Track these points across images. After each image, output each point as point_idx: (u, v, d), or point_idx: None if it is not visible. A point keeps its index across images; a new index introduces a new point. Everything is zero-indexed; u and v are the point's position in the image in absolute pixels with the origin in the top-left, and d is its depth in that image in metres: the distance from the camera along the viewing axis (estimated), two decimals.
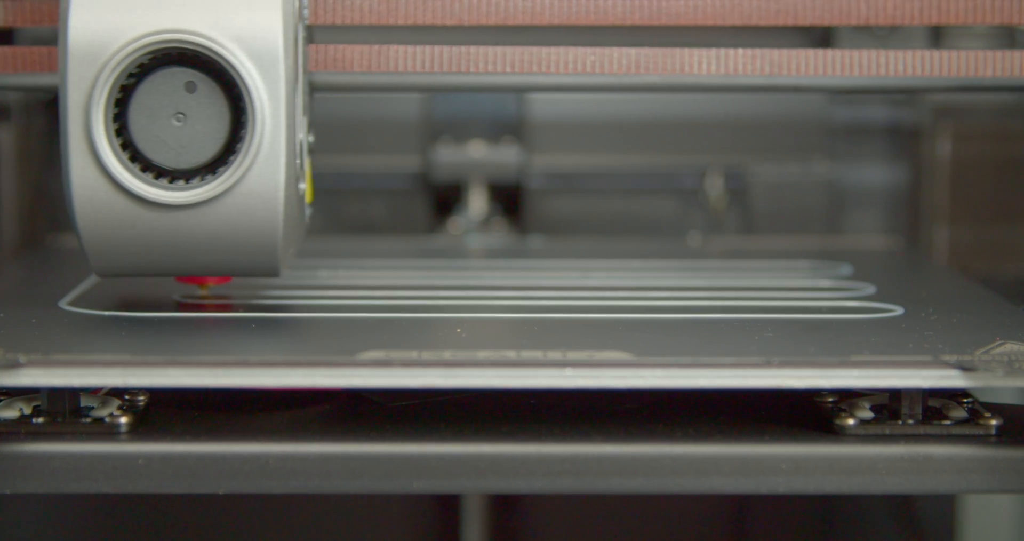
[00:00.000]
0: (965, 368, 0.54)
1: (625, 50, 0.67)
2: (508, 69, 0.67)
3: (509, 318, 0.65)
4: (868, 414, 0.56)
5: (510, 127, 0.95)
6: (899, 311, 0.65)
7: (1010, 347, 0.55)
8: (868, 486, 0.55)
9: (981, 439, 0.55)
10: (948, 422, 0.56)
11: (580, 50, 0.67)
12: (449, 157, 0.94)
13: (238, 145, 0.60)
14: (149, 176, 0.60)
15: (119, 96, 0.60)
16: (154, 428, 0.56)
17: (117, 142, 0.60)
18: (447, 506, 0.92)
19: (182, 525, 0.92)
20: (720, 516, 0.93)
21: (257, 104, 0.59)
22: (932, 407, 0.57)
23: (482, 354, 0.56)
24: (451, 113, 0.96)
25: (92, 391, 0.57)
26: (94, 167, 0.60)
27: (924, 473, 0.55)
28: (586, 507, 0.93)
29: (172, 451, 0.54)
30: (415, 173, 0.94)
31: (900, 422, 0.56)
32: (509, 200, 0.96)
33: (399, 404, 0.59)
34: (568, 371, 0.54)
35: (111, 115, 0.60)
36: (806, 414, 0.57)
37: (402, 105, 0.93)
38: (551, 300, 0.68)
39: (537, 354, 0.55)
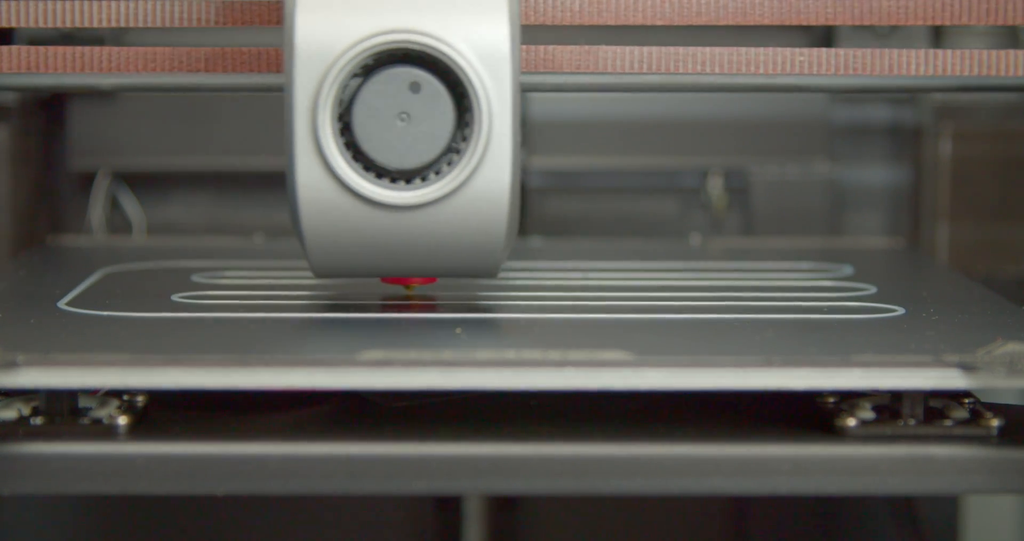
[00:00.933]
0: (967, 368, 0.54)
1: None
2: (717, 70, 0.67)
3: (509, 318, 0.65)
4: (869, 415, 0.56)
5: None
6: (900, 311, 0.65)
7: (1012, 347, 0.55)
8: (869, 487, 0.55)
9: (983, 440, 0.55)
10: (949, 423, 0.56)
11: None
12: None
13: (462, 145, 0.60)
14: (373, 176, 0.60)
15: (344, 97, 0.60)
16: (153, 429, 0.56)
17: (342, 142, 0.60)
18: (447, 507, 0.91)
19: (181, 526, 0.92)
20: (721, 517, 0.93)
21: (483, 104, 0.59)
22: (933, 408, 0.57)
23: (482, 354, 0.56)
24: None
25: (91, 391, 0.57)
26: (320, 167, 0.60)
27: (925, 474, 0.55)
28: (586, 508, 0.92)
29: (171, 452, 0.54)
30: None
31: (901, 423, 0.56)
32: None
33: (399, 405, 0.58)
34: (568, 371, 0.54)
35: (337, 115, 0.60)
36: (807, 415, 0.57)
37: None
38: (551, 300, 0.68)
39: (537, 354, 0.55)
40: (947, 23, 0.69)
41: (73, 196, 0.95)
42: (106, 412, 0.56)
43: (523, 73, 0.64)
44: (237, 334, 0.61)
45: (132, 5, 0.67)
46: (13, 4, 0.68)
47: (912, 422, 0.56)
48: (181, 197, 0.95)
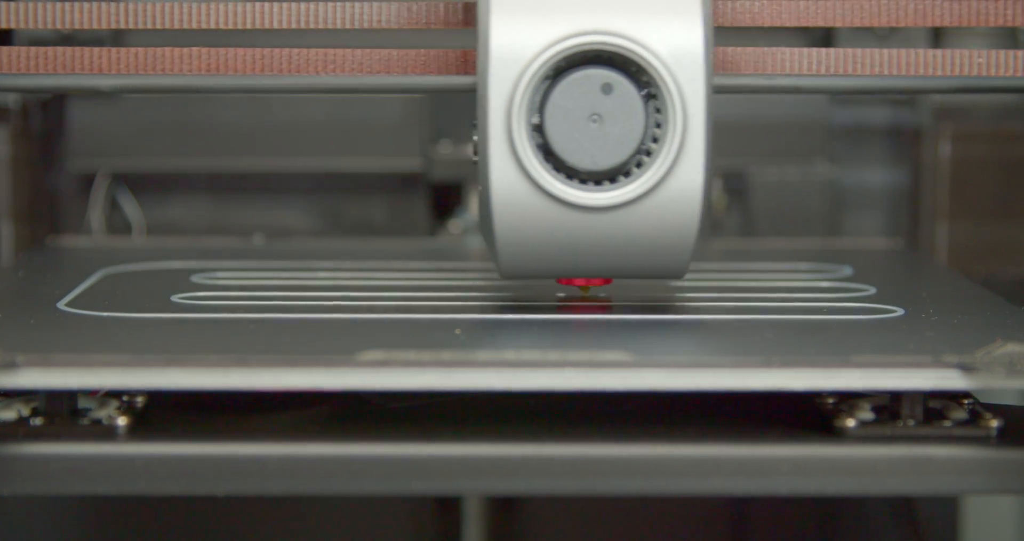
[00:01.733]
0: (966, 369, 0.54)
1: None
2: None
3: (508, 319, 0.65)
4: (869, 415, 0.56)
5: None
6: (900, 312, 0.65)
7: (1011, 348, 0.55)
8: (869, 488, 0.55)
9: (982, 440, 0.55)
10: (949, 423, 0.56)
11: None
12: (449, 158, 0.94)
13: (652, 147, 0.60)
14: (563, 177, 0.60)
15: (535, 98, 0.60)
16: (152, 429, 0.56)
17: (534, 143, 0.60)
18: (447, 508, 0.91)
19: (181, 527, 0.92)
20: (720, 518, 0.93)
21: (677, 106, 0.59)
22: (933, 408, 0.57)
23: (481, 355, 0.56)
24: (451, 114, 0.96)
25: (90, 392, 0.57)
26: (515, 169, 0.60)
27: (925, 474, 0.55)
28: (586, 509, 0.92)
29: (171, 452, 0.54)
30: (415, 173, 0.94)
31: (901, 423, 0.56)
32: None
33: (398, 405, 0.58)
34: (567, 372, 0.54)
35: (530, 117, 0.60)
36: (806, 415, 0.57)
37: (402, 106, 0.93)
38: (550, 301, 0.68)
39: (536, 355, 0.55)
40: (946, 25, 0.69)
41: (73, 197, 0.95)
42: (106, 413, 0.56)
43: (716, 74, 0.64)
44: (236, 335, 0.61)
45: (313, 6, 0.67)
46: (54, 6, 0.68)
47: (911, 423, 0.56)
48: (180, 198, 0.95)
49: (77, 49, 0.68)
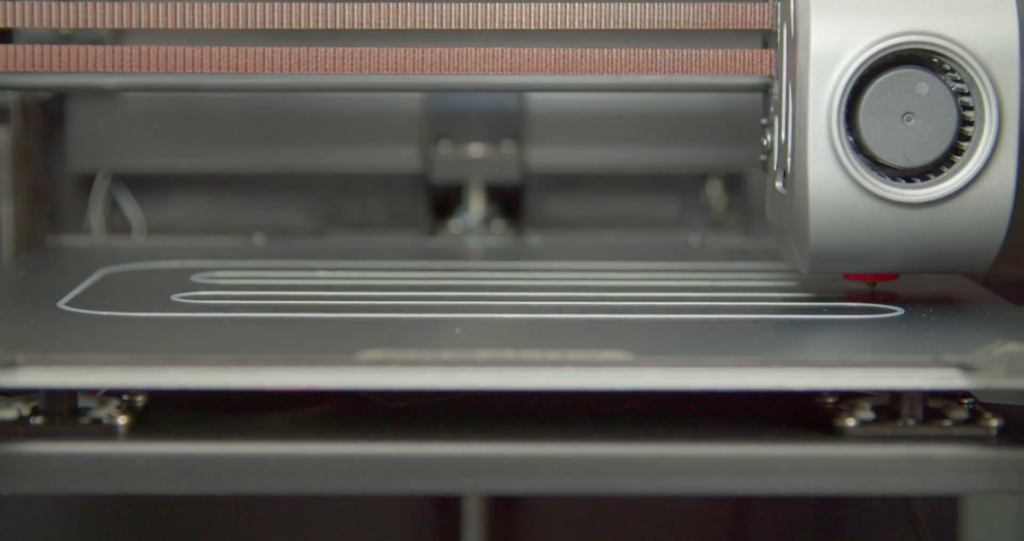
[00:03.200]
0: (966, 369, 0.54)
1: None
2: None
3: (508, 318, 0.65)
4: (869, 415, 0.56)
5: (510, 128, 0.95)
6: (899, 312, 0.65)
7: (1011, 348, 0.55)
8: (869, 487, 0.55)
9: (982, 440, 0.55)
10: (949, 423, 0.56)
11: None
12: (449, 158, 0.94)
13: (963, 145, 0.62)
14: (877, 174, 0.62)
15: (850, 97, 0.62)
16: (152, 428, 0.56)
17: (850, 140, 0.62)
18: (447, 507, 0.91)
19: (181, 526, 0.92)
20: (720, 517, 0.93)
21: (993, 105, 0.61)
22: (933, 408, 0.57)
23: (481, 354, 0.56)
24: (451, 114, 0.96)
25: (90, 391, 0.57)
26: (834, 166, 0.62)
27: (925, 474, 0.55)
28: (586, 508, 0.92)
29: (171, 451, 0.54)
30: (415, 173, 0.94)
31: (901, 423, 0.56)
32: (509, 201, 0.96)
33: (398, 404, 0.58)
34: (567, 371, 0.54)
35: (845, 115, 0.62)
36: (806, 415, 0.57)
37: (402, 106, 0.93)
38: (550, 301, 0.68)
39: (536, 354, 0.55)
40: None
41: (73, 197, 0.95)
42: (106, 412, 0.56)
43: None
44: (236, 334, 0.61)
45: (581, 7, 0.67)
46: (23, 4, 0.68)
47: (911, 422, 0.56)
48: (180, 198, 0.95)
49: (79, 47, 0.68)
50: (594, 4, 0.67)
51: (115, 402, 0.57)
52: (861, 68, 0.61)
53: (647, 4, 0.67)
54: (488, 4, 0.67)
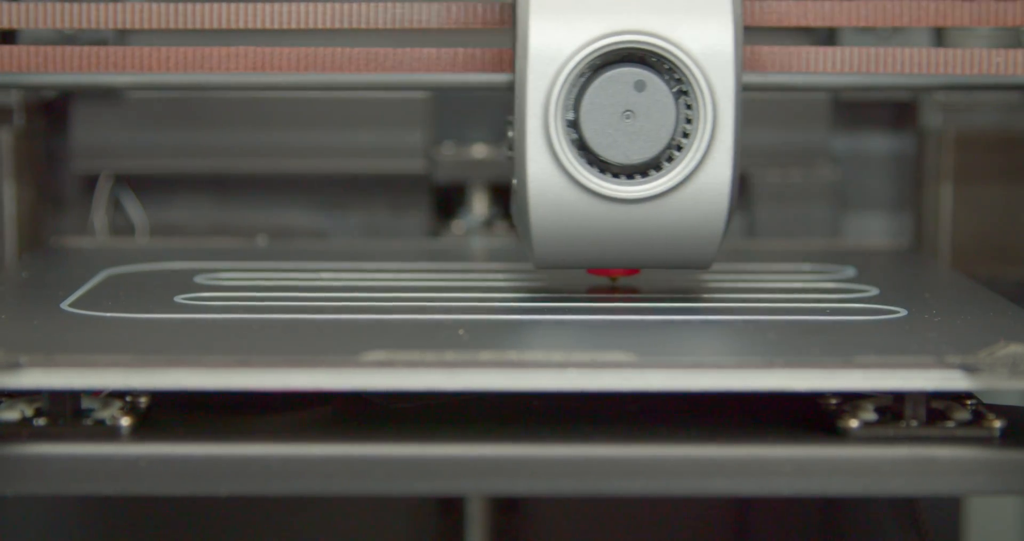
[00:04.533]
0: (969, 370, 0.54)
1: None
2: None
3: (512, 320, 0.65)
4: (872, 416, 0.56)
5: None
6: (903, 313, 0.65)
7: (1014, 349, 0.55)
8: (872, 488, 0.55)
9: (985, 441, 0.55)
10: (952, 424, 0.56)
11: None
12: (452, 159, 0.94)
13: (682, 142, 0.62)
14: (597, 171, 0.63)
15: (571, 95, 0.62)
16: (156, 430, 0.56)
17: (570, 138, 0.62)
18: (450, 508, 0.91)
19: (184, 527, 0.92)
20: (723, 518, 0.93)
21: (708, 102, 0.62)
22: (936, 409, 0.57)
23: (484, 356, 0.56)
24: (454, 115, 0.96)
25: (93, 393, 0.57)
26: (551, 163, 0.62)
27: (928, 475, 0.55)
28: (589, 509, 0.92)
29: (174, 453, 0.54)
30: (418, 175, 0.94)
31: (904, 424, 0.56)
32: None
33: (401, 406, 0.58)
34: (570, 373, 0.54)
35: (566, 113, 0.62)
36: (810, 416, 0.57)
37: (405, 107, 0.93)
38: (552, 302, 0.68)
39: (539, 356, 0.55)
40: (948, 25, 0.69)
41: (76, 198, 0.95)
42: (109, 413, 0.56)
43: (745, 72, 0.66)
44: (239, 336, 0.61)
45: (348, 7, 0.68)
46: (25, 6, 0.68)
47: (914, 423, 0.56)
48: (183, 199, 0.95)
49: (82, 48, 0.68)
50: (330, 4, 0.68)
51: (118, 403, 0.57)
52: (578, 67, 0.62)
53: (387, 4, 0.68)
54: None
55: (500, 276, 0.76)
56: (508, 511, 0.92)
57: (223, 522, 0.92)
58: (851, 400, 0.57)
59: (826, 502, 0.92)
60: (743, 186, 0.95)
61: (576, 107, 0.62)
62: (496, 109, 0.96)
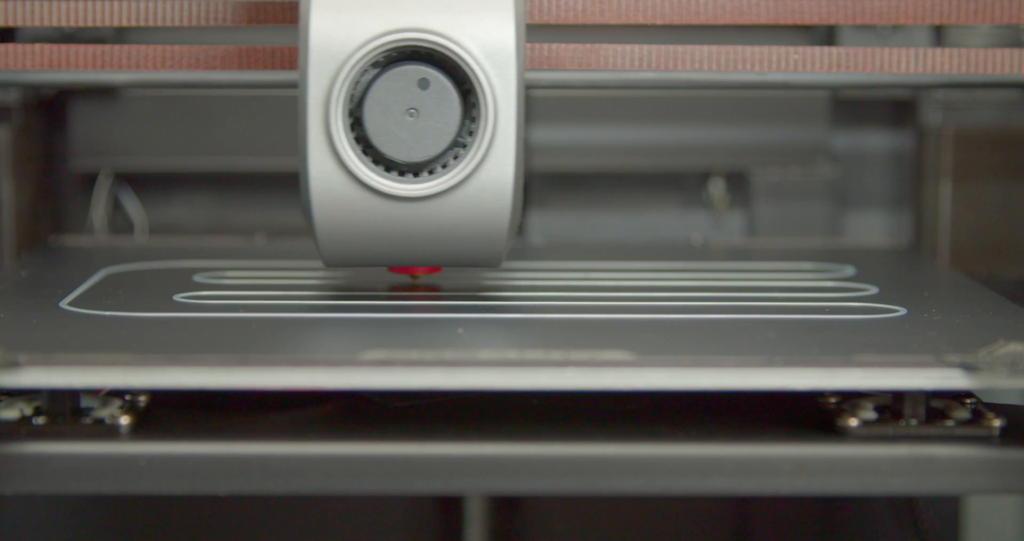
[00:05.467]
0: (968, 369, 0.54)
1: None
2: (714, 67, 0.68)
3: (511, 318, 0.65)
4: (871, 415, 0.56)
5: None
6: (902, 312, 0.65)
7: (1013, 348, 0.55)
8: (871, 487, 0.55)
9: (984, 440, 0.55)
10: (951, 423, 0.56)
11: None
12: None
13: (468, 140, 0.62)
14: (382, 169, 0.62)
15: (355, 92, 0.62)
16: (155, 428, 0.56)
17: (352, 136, 0.62)
18: (449, 507, 0.91)
19: (183, 526, 0.92)
20: (723, 517, 0.93)
21: (490, 101, 0.62)
22: (935, 408, 0.57)
23: (483, 354, 0.56)
24: None
25: (93, 391, 0.57)
26: (332, 160, 0.62)
27: (927, 474, 0.55)
28: (588, 508, 0.92)
29: (173, 451, 0.54)
30: None
31: (903, 423, 0.56)
32: None
33: (401, 405, 0.58)
34: (570, 371, 0.54)
35: (348, 110, 0.62)
36: (809, 415, 0.57)
37: None
38: (553, 301, 0.68)
39: (538, 354, 0.55)
40: (946, 22, 0.69)
41: (75, 196, 0.95)
42: (108, 412, 0.56)
43: (528, 70, 0.66)
44: (239, 334, 0.61)
45: (148, 5, 0.68)
46: (15, 4, 0.68)
47: (914, 422, 0.56)
48: (183, 197, 0.95)
49: (82, 46, 0.68)
50: None
51: (117, 402, 0.57)
52: (359, 64, 0.61)
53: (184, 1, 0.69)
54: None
55: (499, 274, 0.76)
56: (508, 510, 0.92)
57: (223, 521, 0.92)
58: (850, 399, 0.57)
59: (825, 501, 0.92)
60: (742, 184, 0.95)
61: (360, 105, 0.62)
62: None
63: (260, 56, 0.69)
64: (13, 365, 0.53)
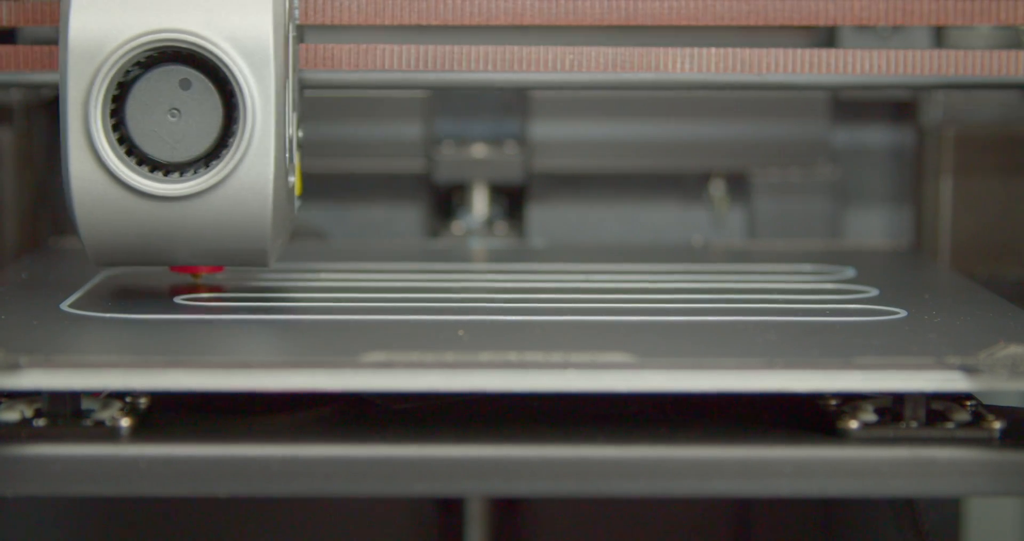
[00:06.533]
0: (969, 371, 0.54)
1: (606, 49, 0.68)
2: (491, 67, 0.68)
3: (511, 321, 0.65)
4: (871, 417, 0.56)
5: (513, 130, 0.95)
6: (902, 314, 0.65)
7: (1014, 350, 0.55)
8: (871, 489, 0.55)
9: (985, 442, 0.55)
10: (951, 425, 0.56)
11: (560, 49, 0.68)
12: (452, 159, 0.94)
13: (230, 139, 0.62)
14: (145, 169, 0.62)
15: (117, 93, 0.62)
16: (155, 430, 0.56)
17: (114, 136, 0.62)
18: (450, 509, 0.91)
19: (184, 528, 0.92)
20: (723, 519, 0.93)
21: (248, 100, 0.62)
22: (935, 410, 0.57)
23: (484, 356, 0.56)
24: (454, 116, 0.96)
25: (93, 393, 0.57)
26: (92, 160, 0.62)
27: (928, 476, 0.55)
28: (589, 510, 0.92)
29: (173, 454, 0.54)
30: (418, 174, 0.94)
31: (903, 425, 0.56)
32: (512, 202, 0.96)
33: (401, 407, 0.58)
34: (570, 374, 0.54)
35: (109, 111, 0.62)
36: (809, 417, 0.57)
37: (405, 107, 0.93)
38: (553, 303, 0.68)
39: (539, 357, 0.55)
40: (946, 23, 0.69)
41: None
42: (108, 414, 0.56)
43: (304, 70, 0.67)
44: (239, 336, 0.61)
45: None
46: (15, 5, 0.68)
47: (914, 424, 0.56)
48: None
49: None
50: None
51: (118, 404, 0.57)
52: (118, 64, 0.61)
53: None
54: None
55: (500, 277, 0.76)
56: (508, 512, 0.92)
57: (223, 522, 0.92)
58: (851, 401, 0.57)
59: (826, 503, 0.92)
60: (743, 185, 0.95)
61: (122, 105, 0.62)
62: (498, 109, 0.96)
63: (37, 56, 0.69)
64: (14, 367, 0.53)
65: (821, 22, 0.69)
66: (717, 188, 0.95)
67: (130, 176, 0.62)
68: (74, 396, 0.56)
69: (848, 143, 0.96)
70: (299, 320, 0.65)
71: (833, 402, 0.57)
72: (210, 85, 0.62)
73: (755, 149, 0.94)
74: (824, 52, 0.68)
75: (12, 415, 0.56)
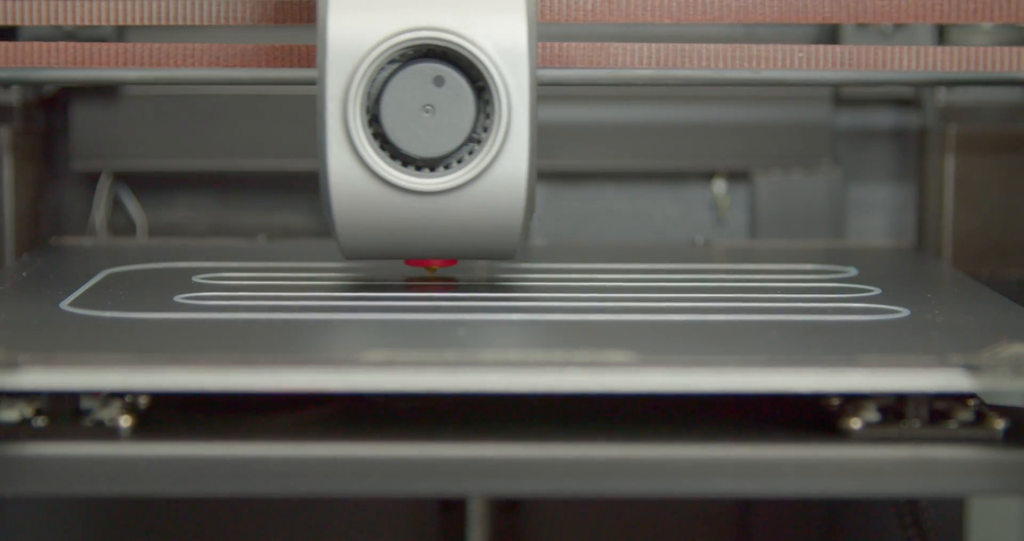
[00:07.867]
0: (971, 370, 0.54)
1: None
2: (720, 65, 0.70)
3: (512, 319, 0.64)
4: (874, 416, 0.56)
5: None
6: (905, 313, 0.65)
7: (1017, 349, 0.55)
8: (874, 489, 0.54)
9: (987, 441, 0.55)
10: (954, 424, 0.56)
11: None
12: None
13: (483, 135, 0.64)
14: (399, 164, 0.64)
15: (372, 90, 0.64)
16: (156, 430, 0.56)
17: (370, 132, 0.64)
18: (451, 509, 0.91)
19: (184, 528, 0.92)
20: (725, 519, 0.93)
21: (503, 97, 0.63)
22: (938, 409, 0.57)
23: (485, 356, 0.55)
24: None
25: (93, 393, 0.57)
26: (351, 156, 0.64)
27: (930, 475, 0.54)
28: (590, 509, 0.92)
29: (174, 453, 0.54)
30: None
31: (906, 424, 0.56)
32: None
33: (402, 406, 0.58)
34: (572, 373, 0.54)
35: (366, 108, 0.64)
36: (811, 416, 0.57)
37: None
38: (554, 302, 0.68)
39: (540, 356, 0.55)
40: (948, 21, 0.69)
41: (76, 197, 0.95)
42: (108, 413, 0.56)
43: (540, 68, 0.68)
44: (239, 335, 0.61)
45: (170, 3, 0.69)
46: (18, 3, 0.68)
47: (917, 424, 0.56)
48: (183, 198, 0.95)
49: (82, 44, 0.68)
50: None
51: (118, 404, 0.57)
52: (376, 62, 0.63)
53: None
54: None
55: (501, 275, 0.76)
56: (509, 511, 0.92)
57: (223, 522, 0.92)
58: (853, 400, 0.57)
59: (828, 503, 0.92)
60: (745, 185, 0.95)
61: (377, 102, 0.64)
62: None
63: (279, 54, 0.70)
64: (13, 366, 0.53)
65: (825, 20, 0.68)
66: (719, 188, 0.95)
67: (388, 171, 0.64)
68: (74, 395, 0.56)
69: (850, 143, 0.96)
70: (300, 319, 0.64)
71: (835, 401, 0.57)
72: (464, 82, 0.64)
73: (757, 149, 0.94)
74: (825, 48, 0.68)
75: (12, 415, 0.56)
